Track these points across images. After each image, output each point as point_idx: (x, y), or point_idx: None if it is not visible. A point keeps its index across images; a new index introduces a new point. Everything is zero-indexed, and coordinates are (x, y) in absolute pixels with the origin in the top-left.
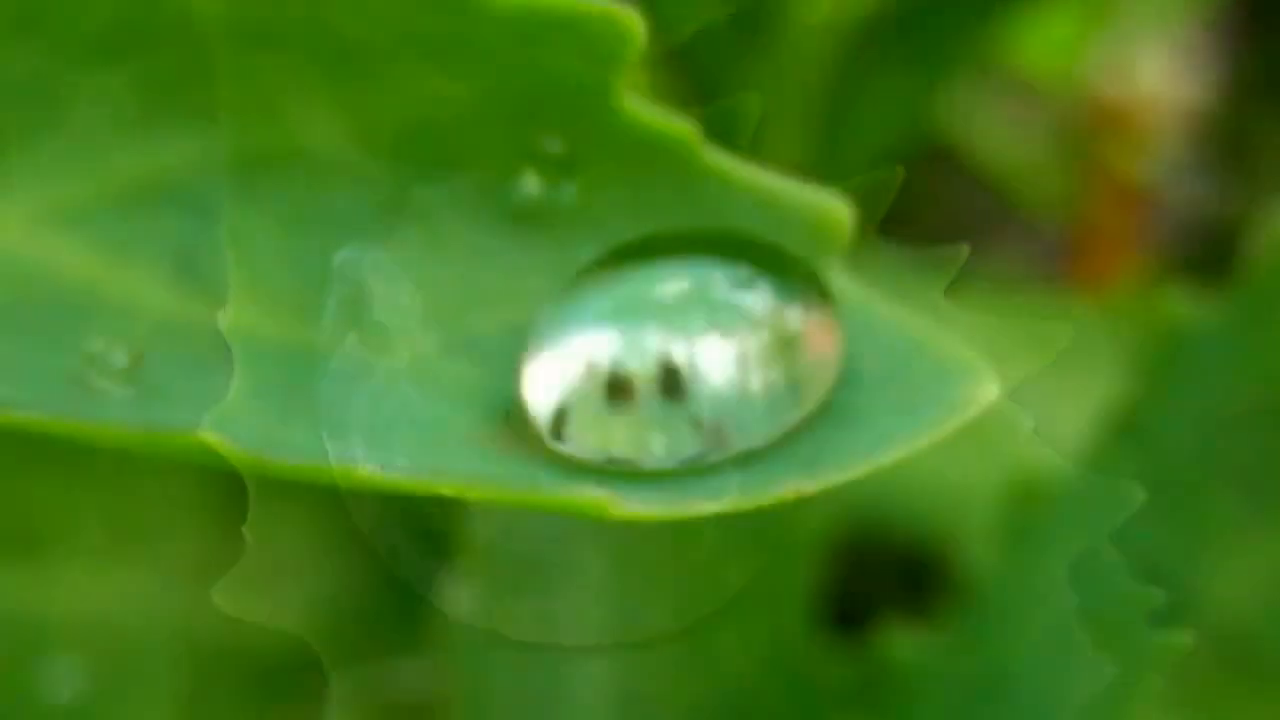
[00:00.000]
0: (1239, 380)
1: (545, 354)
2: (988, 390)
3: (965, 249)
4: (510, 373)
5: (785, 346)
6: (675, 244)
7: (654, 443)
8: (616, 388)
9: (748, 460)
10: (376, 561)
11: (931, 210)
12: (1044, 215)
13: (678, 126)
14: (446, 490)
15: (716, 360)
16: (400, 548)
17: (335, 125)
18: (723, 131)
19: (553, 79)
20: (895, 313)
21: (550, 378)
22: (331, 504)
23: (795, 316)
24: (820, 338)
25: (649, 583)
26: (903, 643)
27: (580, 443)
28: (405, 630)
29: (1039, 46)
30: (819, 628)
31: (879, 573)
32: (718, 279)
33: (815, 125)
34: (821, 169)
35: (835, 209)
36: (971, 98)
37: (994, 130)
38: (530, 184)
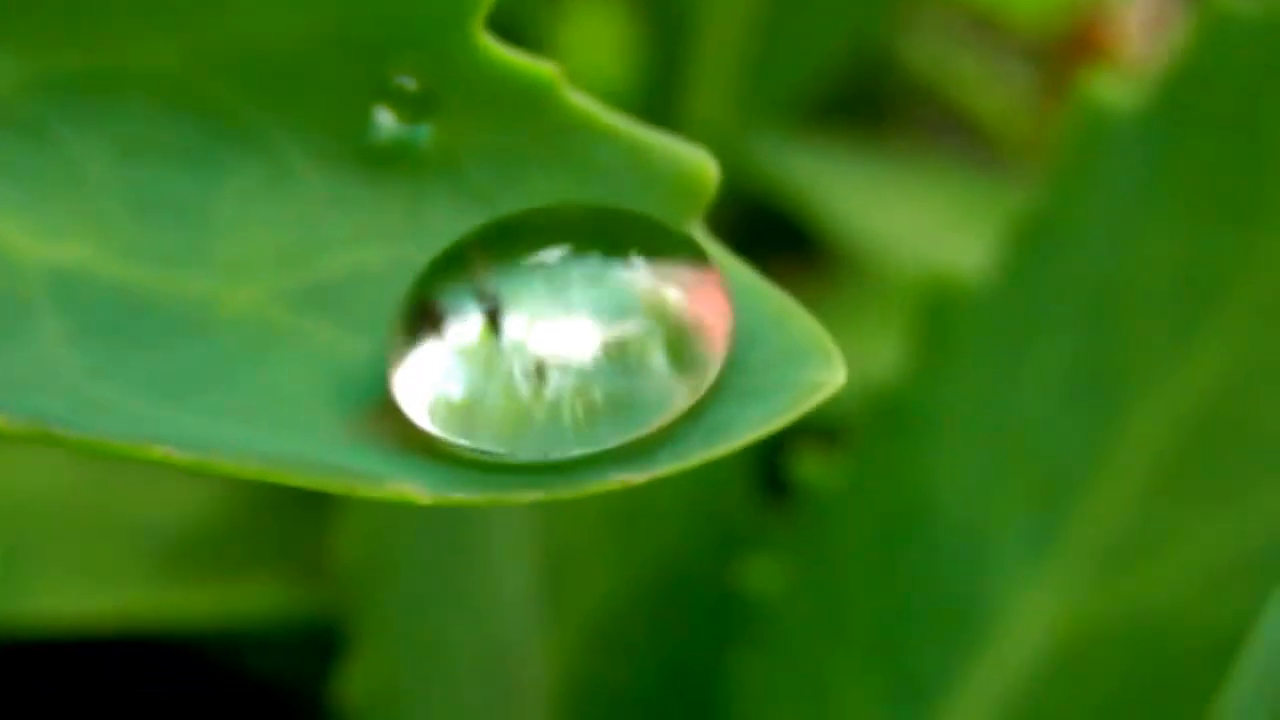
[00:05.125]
0: (1159, 174)
1: (400, 335)
2: (836, 376)
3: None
4: (354, 324)
5: (666, 336)
6: (552, 221)
7: (503, 430)
8: (466, 372)
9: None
10: None
11: (906, 151)
12: (1019, 156)
13: (540, 68)
14: (249, 474)
15: (587, 348)
16: None
17: (174, 52)
18: (663, 43)
19: (408, 11)
20: (750, 281)
21: (404, 361)
22: None
23: (678, 306)
24: (708, 326)
25: None
26: (818, 470)
27: (424, 421)
28: (320, 503)
29: None
30: (752, 494)
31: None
32: (592, 263)
33: (754, 37)
34: (760, 80)
35: (700, 163)
36: (944, 38)
37: (968, 71)
38: (383, 122)
